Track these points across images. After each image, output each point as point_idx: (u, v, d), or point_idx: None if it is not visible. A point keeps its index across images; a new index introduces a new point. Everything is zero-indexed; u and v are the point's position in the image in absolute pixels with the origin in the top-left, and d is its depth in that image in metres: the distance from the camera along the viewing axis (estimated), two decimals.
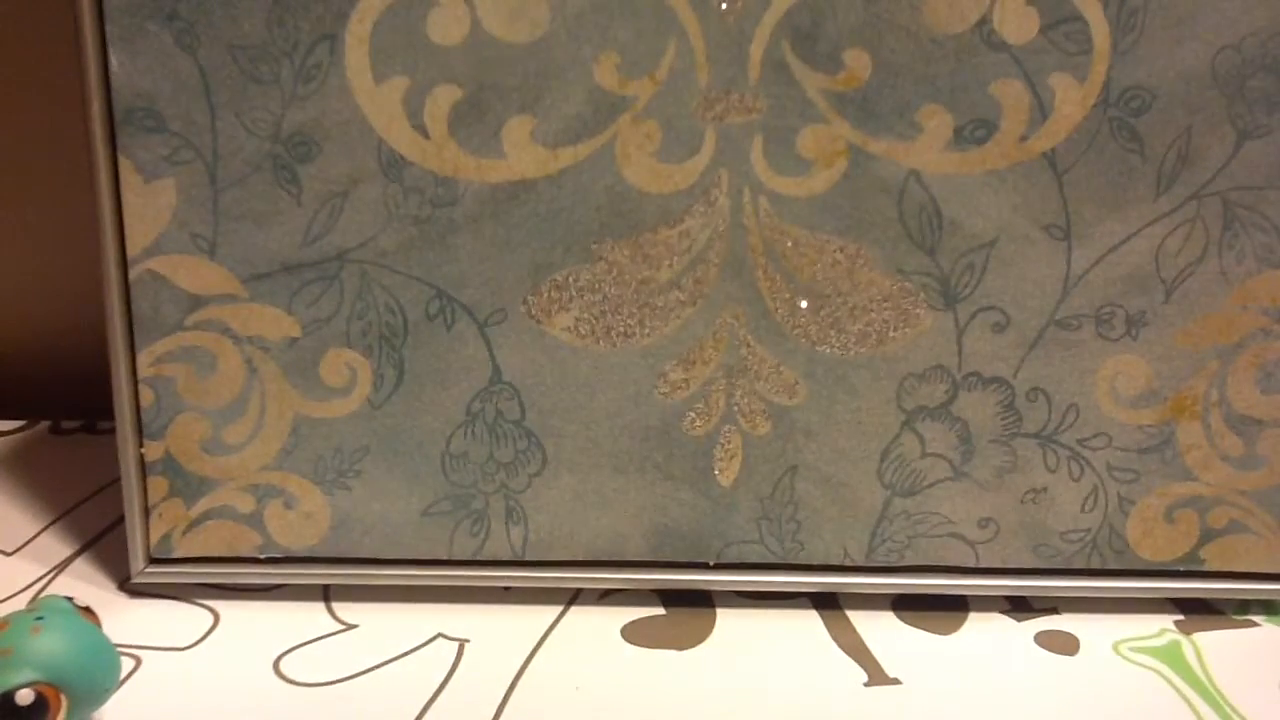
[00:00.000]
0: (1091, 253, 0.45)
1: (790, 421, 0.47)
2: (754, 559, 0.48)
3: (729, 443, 0.47)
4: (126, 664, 0.44)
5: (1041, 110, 0.43)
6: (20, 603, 0.48)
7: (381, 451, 0.47)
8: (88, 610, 0.41)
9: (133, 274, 0.45)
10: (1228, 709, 0.44)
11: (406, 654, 0.46)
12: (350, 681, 0.44)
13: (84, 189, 0.45)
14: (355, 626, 0.47)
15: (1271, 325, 0.46)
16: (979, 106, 0.43)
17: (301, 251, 0.45)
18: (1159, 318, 0.46)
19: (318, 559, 0.48)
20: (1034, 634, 0.48)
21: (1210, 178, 0.44)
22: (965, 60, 0.43)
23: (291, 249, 0.45)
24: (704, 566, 0.48)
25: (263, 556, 0.48)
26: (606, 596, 0.49)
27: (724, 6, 0.43)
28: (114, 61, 0.43)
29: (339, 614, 0.48)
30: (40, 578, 0.50)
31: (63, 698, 0.38)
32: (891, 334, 0.46)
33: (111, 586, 0.50)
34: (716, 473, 0.47)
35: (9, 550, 0.52)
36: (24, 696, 0.37)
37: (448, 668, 0.45)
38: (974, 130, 0.44)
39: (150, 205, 0.44)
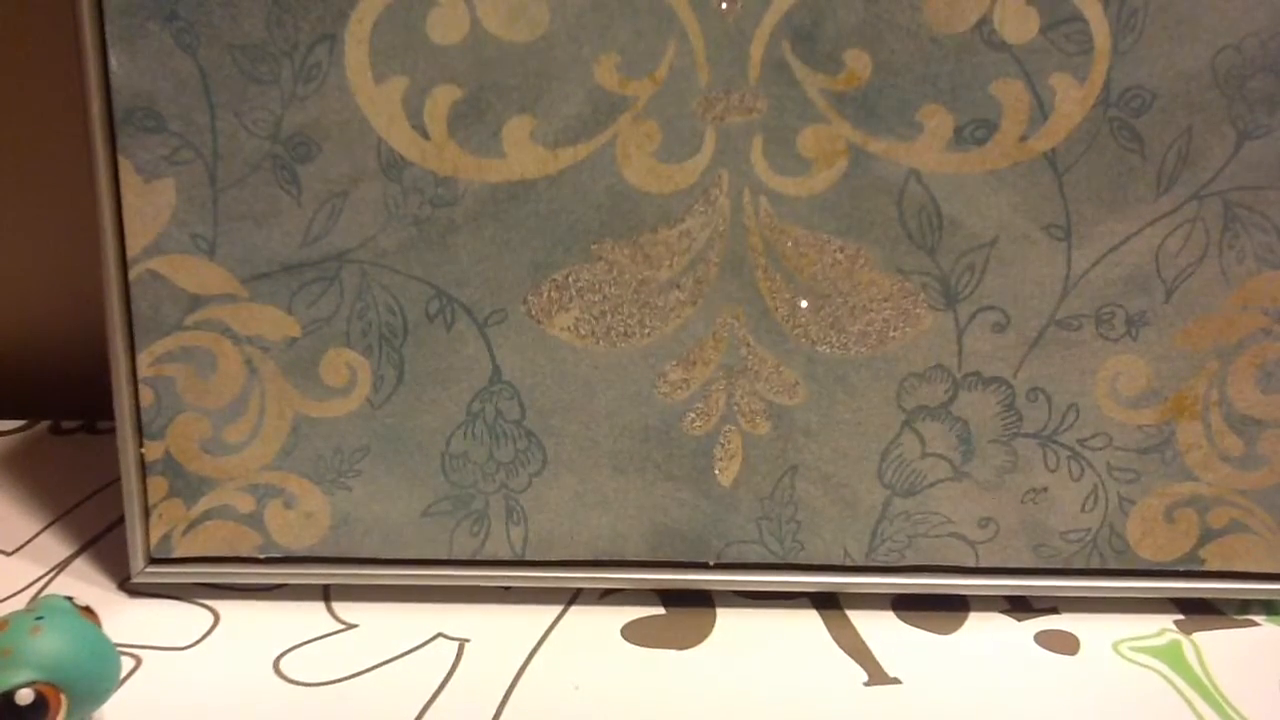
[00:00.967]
0: (1092, 253, 0.45)
1: (790, 421, 0.47)
2: (754, 559, 0.48)
3: (729, 443, 0.47)
4: (126, 664, 0.44)
5: (1042, 110, 0.43)
6: (20, 603, 0.48)
7: (381, 451, 0.47)
8: (88, 610, 0.41)
9: (133, 274, 0.45)
10: (1228, 709, 0.44)
11: (406, 654, 0.46)
12: (350, 681, 0.44)
13: (84, 189, 0.45)
14: (355, 626, 0.47)
15: (1271, 325, 0.46)
16: (979, 106, 0.43)
17: (301, 251, 0.45)
18: (1159, 318, 0.46)
19: (318, 559, 0.48)
20: (1034, 634, 0.48)
21: (1210, 178, 0.44)
22: (965, 60, 0.43)
23: (291, 249, 0.45)
24: (704, 566, 0.48)
25: (263, 556, 0.48)
26: (606, 596, 0.49)
27: (724, 6, 0.43)
28: (114, 61, 0.43)
29: (339, 614, 0.48)
30: (40, 578, 0.50)
31: (63, 698, 0.38)
32: (892, 334, 0.46)
33: (111, 586, 0.50)
34: (716, 473, 0.47)
35: (9, 550, 0.52)
36: (24, 696, 0.37)
37: (448, 668, 0.45)
38: (974, 130, 0.44)
39: (150, 205, 0.44)
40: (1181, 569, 0.48)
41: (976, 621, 0.48)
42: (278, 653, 0.46)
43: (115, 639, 0.41)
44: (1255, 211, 0.45)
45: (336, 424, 0.47)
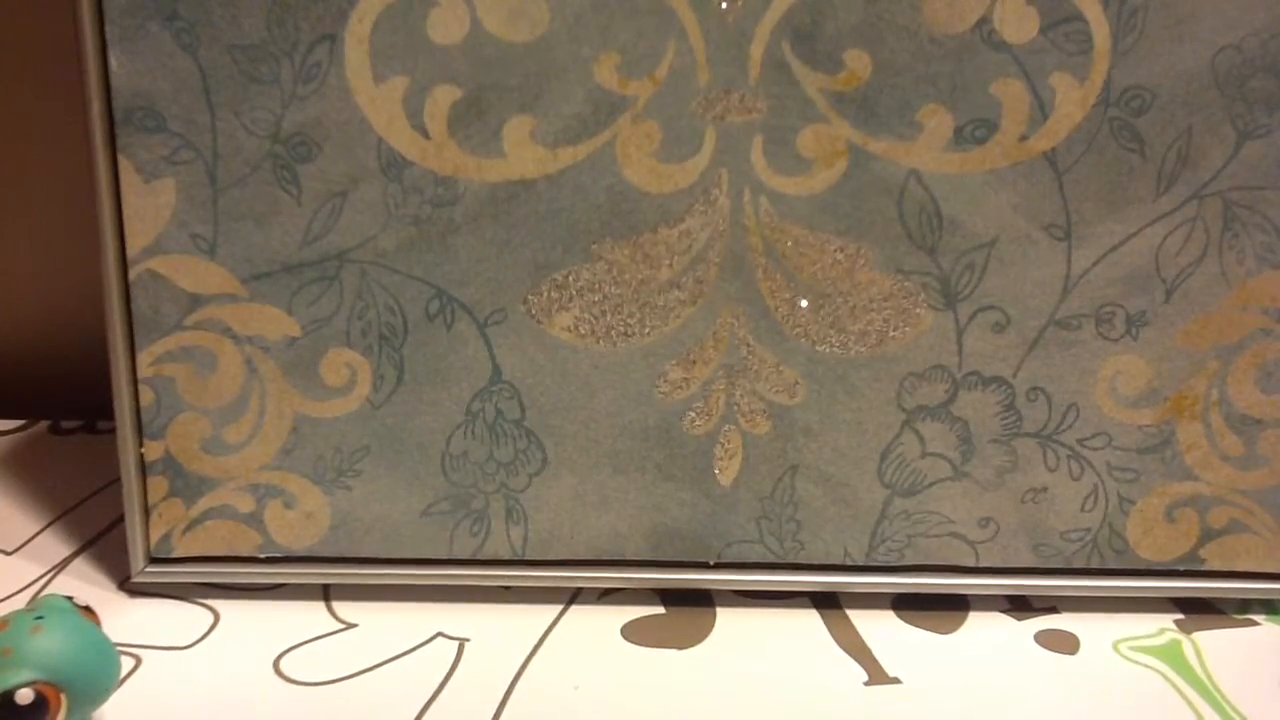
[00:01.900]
0: (1091, 252, 0.45)
1: (790, 421, 0.47)
2: (754, 558, 0.48)
3: (729, 442, 0.47)
4: (126, 664, 0.44)
5: (1042, 110, 0.43)
6: (20, 602, 0.48)
7: (381, 451, 0.47)
8: (88, 610, 0.41)
9: (133, 274, 0.45)
10: (1228, 708, 0.44)
11: (406, 653, 0.46)
12: (350, 681, 0.44)
13: (84, 189, 0.45)
14: (355, 626, 0.48)
15: (1271, 325, 0.46)
16: (979, 106, 0.43)
17: (301, 251, 0.45)
18: (1159, 318, 0.46)
19: (318, 558, 0.48)
20: (1034, 633, 0.48)
21: (1210, 178, 0.44)
22: (965, 60, 0.43)
23: (291, 249, 0.45)
24: (704, 566, 0.48)
25: (263, 556, 0.48)
26: (606, 596, 0.49)
27: (724, 6, 0.43)
28: (114, 61, 0.43)
29: (339, 613, 0.48)
30: (40, 577, 0.50)
31: (63, 697, 0.38)
32: (892, 333, 0.46)
33: (111, 586, 0.50)
34: (716, 472, 0.47)
35: (9, 550, 0.52)
36: (24, 696, 0.37)
37: (448, 667, 0.45)
38: (974, 130, 0.44)
39: (150, 205, 0.44)
40: (1181, 569, 0.48)
41: (976, 621, 0.48)
42: (278, 652, 0.46)
43: (115, 639, 0.41)
44: (1255, 211, 0.45)
45: (336, 424, 0.47)
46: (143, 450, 0.47)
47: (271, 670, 0.45)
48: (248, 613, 0.48)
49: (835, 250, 0.45)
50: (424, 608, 0.48)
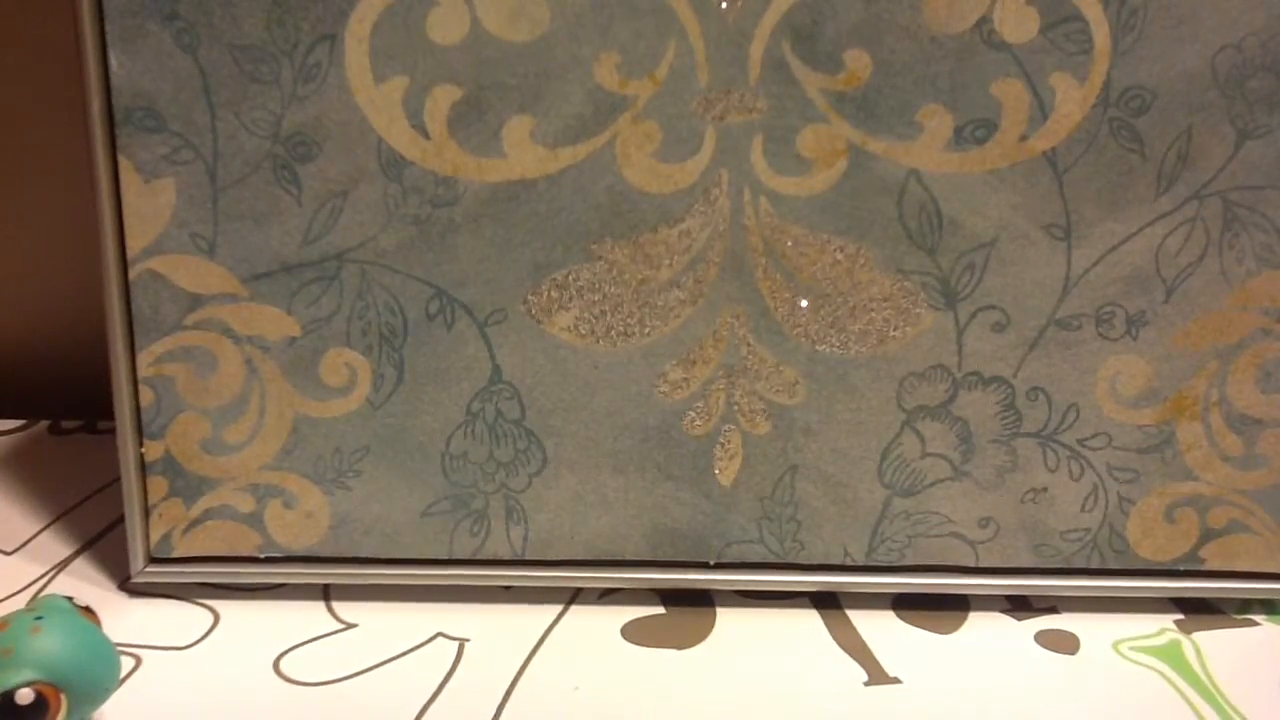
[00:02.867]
0: (1091, 252, 0.45)
1: (790, 421, 0.47)
2: (754, 559, 0.48)
3: (729, 442, 0.47)
4: (126, 664, 0.44)
5: (1042, 110, 0.43)
6: (20, 602, 0.48)
7: (381, 451, 0.47)
8: (88, 610, 0.41)
9: (133, 274, 0.45)
10: (1228, 709, 0.44)
11: (406, 653, 0.46)
12: (350, 681, 0.44)
13: (84, 189, 0.45)
14: (355, 626, 0.48)
15: (1271, 325, 0.46)
16: (979, 106, 0.43)
17: (301, 251, 0.45)
18: (1159, 318, 0.46)
19: (318, 558, 0.48)
20: (1034, 633, 0.48)
21: (1210, 178, 0.44)
22: (965, 60, 0.43)
23: (291, 249, 0.45)
24: (704, 566, 0.48)
25: (263, 556, 0.48)
26: (606, 596, 0.49)
27: (724, 6, 0.43)
28: (114, 61, 0.43)
29: (339, 613, 0.48)
30: (40, 577, 0.50)
31: (63, 697, 0.38)
32: (892, 333, 0.46)
33: (111, 586, 0.50)
34: (716, 472, 0.47)
35: (9, 550, 0.52)
36: (24, 696, 0.37)
37: (448, 667, 0.45)
38: (974, 130, 0.44)
39: (150, 205, 0.44)
40: (1181, 569, 0.48)
41: (976, 621, 0.48)
42: (278, 652, 0.46)
43: (115, 639, 0.41)
44: (1255, 211, 0.45)
45: (336, 424, 0.47)
46: (143, 450, 0.47)
47: (271, 670, 0.45)
48: (248, 613, 0.48)
49: (835, 250, 0.45)
50: (424, 608, 0.48)
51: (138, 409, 0.47)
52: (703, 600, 0.49)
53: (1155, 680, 0.45)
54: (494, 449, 0.47)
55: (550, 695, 0.44)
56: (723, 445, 0.47)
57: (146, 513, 0.48)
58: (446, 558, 0.48)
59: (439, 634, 0.47)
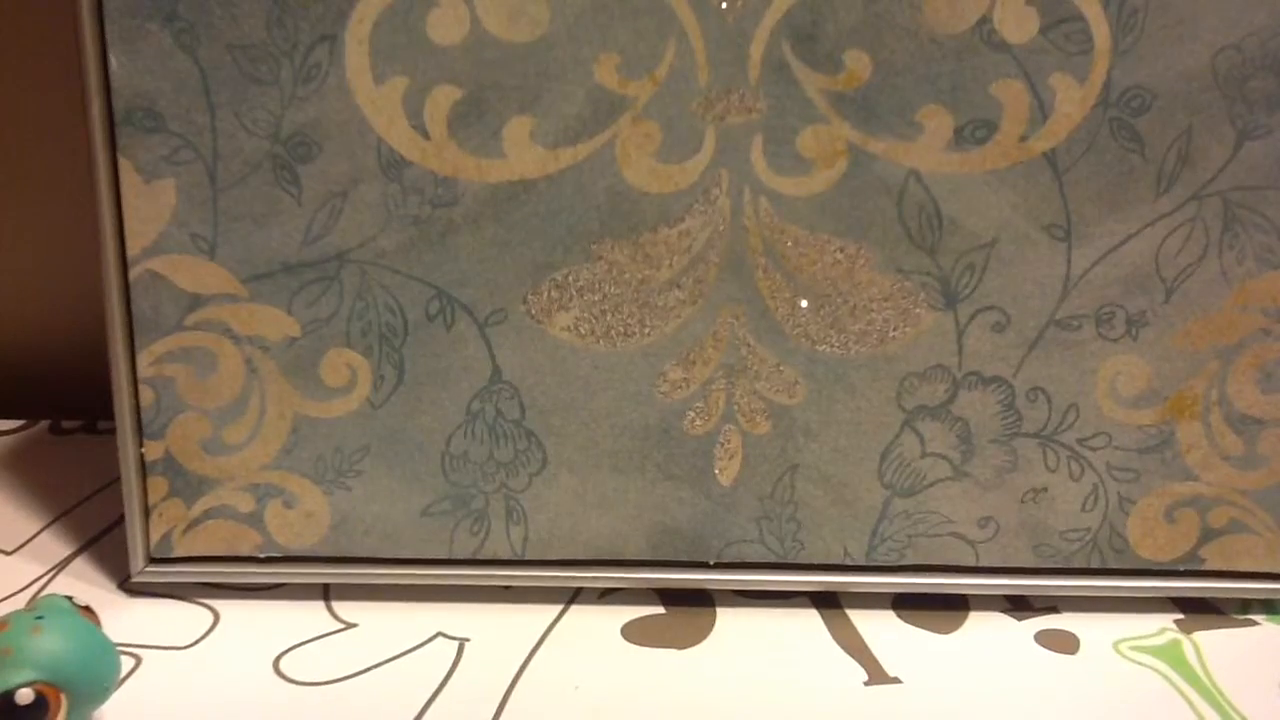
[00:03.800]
0: (1091, 253, 0.45)
1: (790, 421, 0.47)
2: (754, 558, 0.48)
3: (729, 442, 0.47)
4: (126, 663, 0.44)
5: (1042, 110, 0.43)
6: (20, 602, 0.48)
7: (381, 451, 0.47)
8: (87, 610, 0.41)
9: (133, 274, 0.45)
10: (1228, 708, 0.44)
11: (406, 653, 0.46)
12: (350, 681, 0.44)
13: (84, 189, 0.45)
14: (355, 626, 0.48)
15: (1271, 325, 0.46)
16: (979, 106, 0.43)
17: (301, 251, 0.45)
18: (1159, 318, 0.46)
19: (318, 558, 0.48)
20: (1034, 633, 0.48)
21: (1210, 178, 0.44)
22: (965, 60, 0.43)
23: (291, 249, 0.45)
24: (704, 566, 0.48)
25: (263, 556, 0.48)
26: (606, 596, 0.49)
27: (724, 6, 0.43)
28: (114, 61, 0.43)
29: (339, 613, 0.48)
30: (40, 577, 0.50)
31: (63, 697, 0.38)
32: (892, 333, 0.46)
33: (111, 586, 0.50)
34: (716, 472, 0.47)
35: (9, 550, 0.52)
36: (24, 696, 0.37)
37: (448, 667, 0.45)
38: (974, 130, 0.44)
39: (150, 205, 0.44)
40: (1181, 569, 0.48)
41: (976, 621, 0.48)
42: (278, 652, 0.46)
43: (115, 639, 0.41)
44: (1255, 212, 0.45)
45: (336, 424, 0.47)
46: (143, 450, 0.47)
47: (271, 670, 0.45)
48: (248, 613, 0.48)
49: (835, 250, 0.45)
50: (424, 608, 0.48)
51: (138, 409, 0.47)
52: (703, 600, 0.49)
53: (1155, 680, 0.45)
54: (494, 449, 0.47)
55: (550, 695, 0.44)
56: (723, 445, 0.47)
57: (146, 513, 0.48)
58: (446, 557, 0.48)
59: (439, 634, 0.47)
